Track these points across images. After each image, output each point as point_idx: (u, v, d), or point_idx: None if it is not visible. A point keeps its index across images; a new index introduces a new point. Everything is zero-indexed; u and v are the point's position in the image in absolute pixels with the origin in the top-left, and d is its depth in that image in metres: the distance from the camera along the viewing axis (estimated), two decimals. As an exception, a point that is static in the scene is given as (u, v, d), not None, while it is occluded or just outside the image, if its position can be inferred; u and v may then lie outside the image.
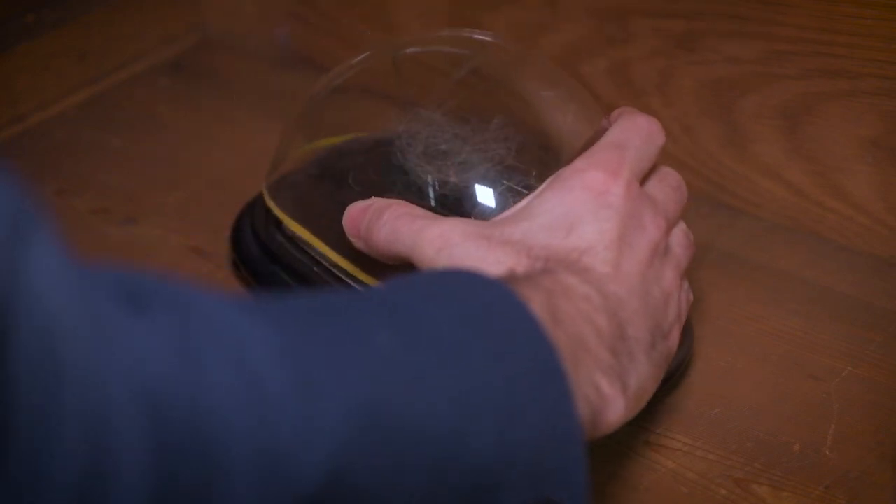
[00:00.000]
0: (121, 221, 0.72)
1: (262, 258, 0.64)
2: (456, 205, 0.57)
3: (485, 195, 0.57)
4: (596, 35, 0.72)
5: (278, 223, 0.63)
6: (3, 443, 0.29)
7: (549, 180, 0.52)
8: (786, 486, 0.54)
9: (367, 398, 0.37)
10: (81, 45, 0.83)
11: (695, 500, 0.54)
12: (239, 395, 0.34)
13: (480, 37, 0.63)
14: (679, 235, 0.54)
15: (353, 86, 0.64)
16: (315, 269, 0.61)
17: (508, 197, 0.56)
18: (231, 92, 0.84)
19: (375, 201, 0.55)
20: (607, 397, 0.46)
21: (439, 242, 0.51)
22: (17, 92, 0.80)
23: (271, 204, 0.63)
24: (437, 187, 0.57)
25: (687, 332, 0.58)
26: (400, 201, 0.55)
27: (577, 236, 0.49)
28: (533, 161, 0.58)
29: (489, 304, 0.43)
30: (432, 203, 0.57)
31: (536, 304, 0.44)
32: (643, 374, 0.48)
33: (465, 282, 0.45)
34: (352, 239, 0.56)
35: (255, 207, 0.66)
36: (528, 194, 0.54)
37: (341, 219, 0.56)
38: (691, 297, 0.55)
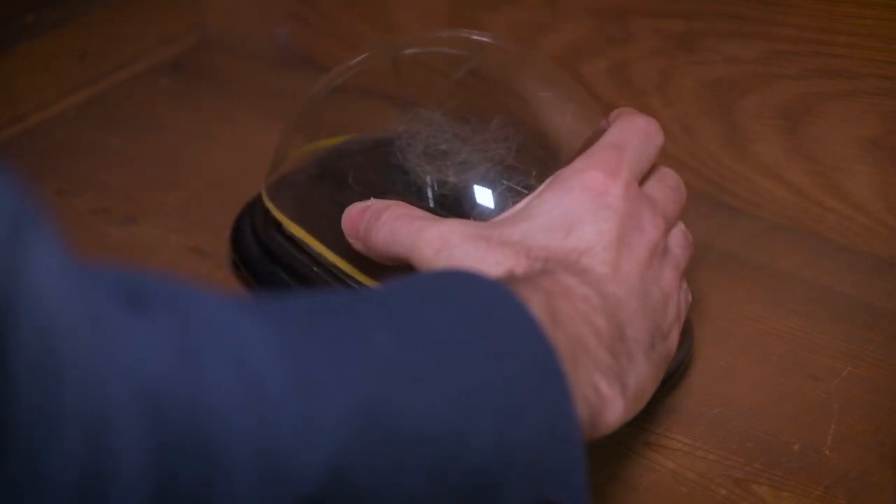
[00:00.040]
0: (121, 221, 0.72)
1: (262, 258, 0.64)
2: (456, 205, 0.57)
3: (485, 195, 0.57)
4: (596, 35, 0.72)
5: (278, 224, 0.63)
6: (3, 443, 0.29)
7: (548, 181, 0.52)
8: (786, 486, 0.54)
9: (367, 398, 0.37)
10: (81, 45, 0.83)
11: (695, 500, 0.54)
12: (239, 395, 0.34)
13: (479, 37, 0.63)
14: (678, 236, 0.54)
15: (352, 86, 0.64)
16: (315, 269, 0.61)
17: (508, 197, 0.56)
18: (231, 92, 0.84)
19: (374, 202, 0.55)
20: (606, 398, 0.46)
21: (438, 244, 0.51)
22: (17, 92, 0.80)
23: (270, 205, 0.63)
24: (436, 187, 0.57)
25: (687, 333, 0.58)
26: (398, 202, 0.55)
27: (576, 237, 0.49)
28: (533, 161, 0.58)
29: (488, 305, 0.43)
30: (432, 203, 0.57)
31: (535, 304, 0.44)
32: (642, 375, 0.48)
33: (464, 283, 0.45)
34: (350, 240, 0.56)
35: (254, 207, 0.66)
36: (527, 194, 0.54)
37: (340, 220, 0.56)
38: (690, 297, 0.55)
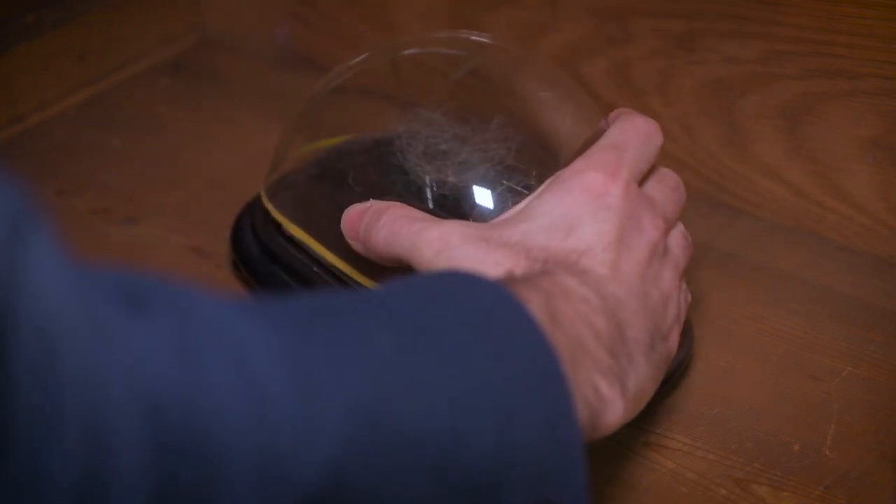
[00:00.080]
0: (121, 221, 0.72)
1: (262, 258, 0.64)
2: (456, 205, 0.57)
3: (484, 195, 0.57)
4: (596, 35, 0.72)
5: (278, 224, 0.63)
6: (3, 443, 0.29)
7: (547, 182, 0.52)
8: (786, 486, 0.54)
9: (367, 399, 0.37)
10: (81, 45, 0.83)
11: (695, 500, 0.54)
12: (239, 395, 0.34)
13: (479, 38, 0.63)
14: (677, 236, 0.54)
15: (352, 87, 0.64)
16: (315, 269, 0.61)
17: (508, 197, 0.56)
18: (231, 92, 0.84)
19: (373, 204, 0.55)
20: (606, 399, 0.46)
21: (438, 245, 0.51)
22: (17, 92, 0.80)
23: (269, 206, 0.63)
24: (436, 187, 0.57)
25: (687, 333, 0.58)
26: (398, 203, 0.55)
27: (576, 238, 0.49)
28: (533, 161, 0.58)
29: (488, 306, 0.43)
30: (431, 203, 0.57)
31: (535, 305, 0.44)
32: (642, 376, 0.48)
33: (464, 284, 0.45)
34: (350, 242, 0.56)
35: (254, 207, 0.66)
36: (527, 194, 0.54)
37: (340, 221, 0.56)
38: (690, 297, 0.55)
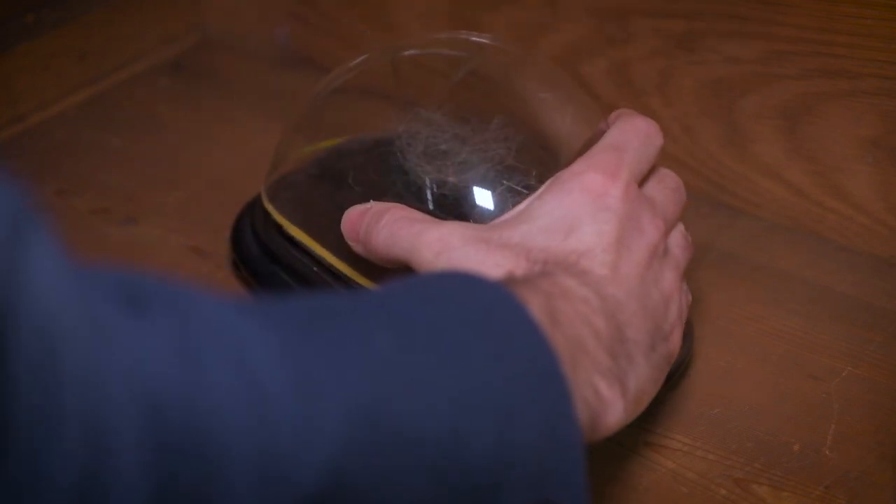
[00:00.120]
0: (121, 221, 0.72)
1: (262, 258, 0.63)
2: (456, 205, 0.57)
3: (484, 195, 0.57)
4: (596, 35, 0.72)
5: (278, 224, 0.63)
6: (3, 443, 0.29)
7: (547, 183, 0.52)
8: (786, 486, 0.54)
9: (367, 398, 0.37)
10: (81, 45, 0.83)
11: (695, 500, 0.54)
12: (239, 395, 0.34)
13: (478, 39, 0.63)
14: (677, 237, 0.54)
15: (352, 88, 0.64)
16: (315, 269, 0.61)
17: (508, 197, 0.56)
18: (231, 92, 0.84)
19: (374, 205, 0.55)
20: (606, 400, 0.46)
21: (438, 246, 0.51)
22: (17, 92, 0.80)
23: (270, 207, 0.63)
24: (436, 187, 0.57)
25: (687, 333, 0.58)
26: (398, 205, 0.55)
27: (576, 239, 0.49)
28: (533, 161, 0.58)
29: (488, 307, 0.43)
30: (431, 203, 0.57)
31: (535, 306, 0.44)
32: (642, 377, 0.48)
33: (463, 284, 0.45)
34: (350, 243, 0.56)
35: (254, 207, 0.66)
36: (528, 194, 0.54)
37: (340, 221, 0.56)
38: (690, 297, 0.55)
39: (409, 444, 0.38)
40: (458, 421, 0.39)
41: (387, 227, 0.53)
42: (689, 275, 0.56)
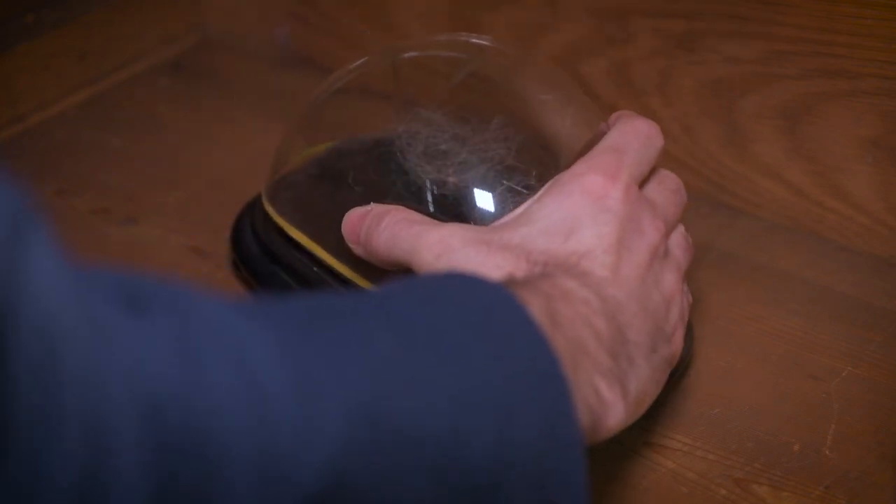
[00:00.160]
0: (121, 221, 0.72)
1: (262, 258, 0.63)
2: (456, 205, 0.57)
3: (484, 195, 0.57)
4: (596, 35, 0.72)
5: (278, 225, 0.63)
6: (3, 443, 0.29)
7: (547, 185, 0.52)
8: (786, 486, 0.54)
9: (367, 398, 0.37)
10: (81, 45, 0.83)
11: (695, 500, 0.54)
12: (239, 395, 0.34)
13: (479, 40, 0.63)
14: (678, 238, 0.54)
15: (352, 90, 0.64)
16: (315, 269, 0.61)
17: (508, 197, 0.56)
18: (231, 92, 0.84)
19: (374, 207, 0.55)
20: (607, 401, 0.46)
21: (438, 248, 0.51)
22: (17, 92, 0.80)
23: (270, 209, 0.63)
24: (436, 188, 0.57)
25: (687, 333, 0.58)
26: (399, 207, 0.55)
27: (576, 240, 0.49)
28: (533, 161, 0.58)
29: (488, 307, 0.43)
30: (431, 203, 0.57)
31: (535, 307, 0.44)
32: (643, 378, 0.48)
33: (464, 285, 0.45)
34: (351, 245, 0.56)
35: (254, 207, 0.66)
36: (528, 194, 0.54)
37: (340, 222, 0.56)
38: (690, 298, 0.55)
39: (409, 443, 0.38)
40: (457, 420, 0.39)
41: (387, 229, 0.53)
42: (690, 275, 0.56)
